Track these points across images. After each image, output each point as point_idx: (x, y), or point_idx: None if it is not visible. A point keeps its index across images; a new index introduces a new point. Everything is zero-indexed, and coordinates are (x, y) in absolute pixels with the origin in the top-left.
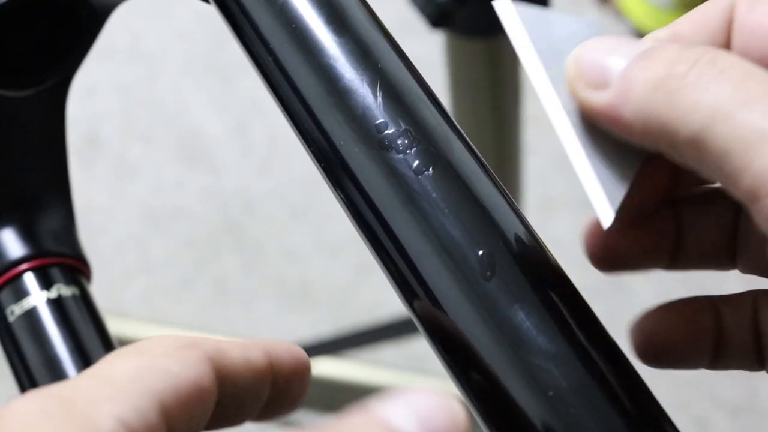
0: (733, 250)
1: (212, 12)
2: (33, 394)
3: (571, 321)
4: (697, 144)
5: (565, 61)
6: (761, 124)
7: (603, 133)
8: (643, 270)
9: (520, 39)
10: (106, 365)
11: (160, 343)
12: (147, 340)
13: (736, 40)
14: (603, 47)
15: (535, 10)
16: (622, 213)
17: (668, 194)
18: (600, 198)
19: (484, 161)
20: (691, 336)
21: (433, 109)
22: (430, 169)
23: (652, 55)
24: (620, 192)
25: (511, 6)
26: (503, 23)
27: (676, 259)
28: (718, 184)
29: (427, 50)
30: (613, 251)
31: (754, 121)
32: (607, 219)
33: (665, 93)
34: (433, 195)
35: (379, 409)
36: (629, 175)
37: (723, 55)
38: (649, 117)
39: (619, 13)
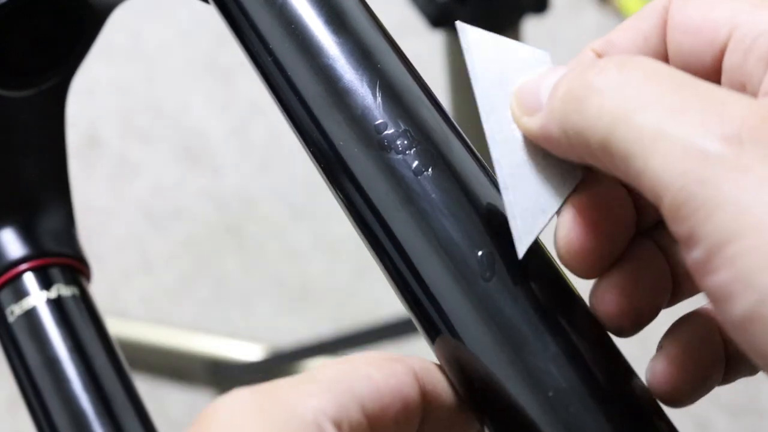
0: None
1: (212, 12)
2: (239, 390)
3: (570, 321)
4: (605, 150)
5: (510, 89)
6: (655, 124)
7: (542, 157)
8: (663, 308)
9: (474, 64)
10: (310, 371)
11: (365, 355)
12: (354, 355)
13: (670, 39)
14: (540, 75)
15: (494, 36)
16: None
17: (637, 227)
18: (517, 227)
19: (484, 162)
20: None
21: (432, 109)
22: (430, 169)
23: (571, 68)
24: (539, 224)
25: (473, 30)
26: (462, 45)
27: (679, 290)
28: None
29: (427, 50)
30: (625, 308)
31: (648, 122)
32: (521, 247)
33: (576, 102)
34: (433, 196)
35: None
36: (552, 207)
37: (633, 60)
38: (567, 128)
39: (619, 13)
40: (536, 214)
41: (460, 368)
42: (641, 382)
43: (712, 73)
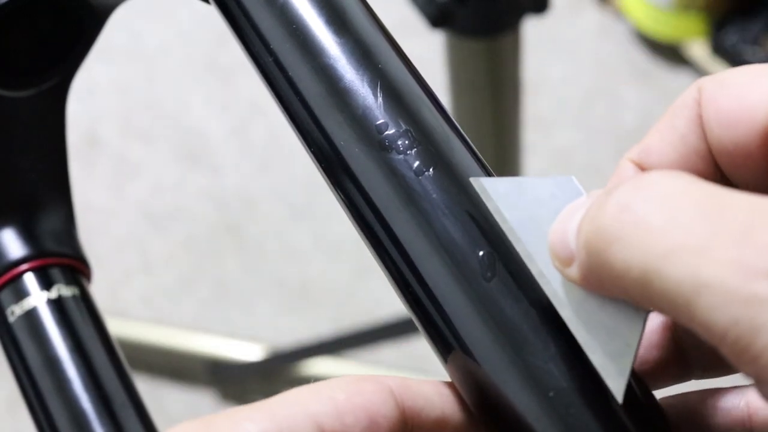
0: None
1: (212, 12)
2: (183, 426)
3: None
4: (646, 301)
5: (546, 227)
6: (688, 271)
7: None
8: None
9: (504, 215)
10: (276, 395)
11: (335, 379)
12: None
13: (708, 134)
14: (564, 219)
15: (510, 181)
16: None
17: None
18: (610, 374)
19: (485, 161)
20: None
21: (433, 109)
22: (431, 169)
23: (585, 216)
24: (628, 360)
25: (489, 182)
26: (485, 201)
27: (687, 374)
28: None
29: (427, 50)
30: None
31: (681, 270)
32: (619, 393)
33: (598, 255)
34: (434, 196)
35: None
36: (634, 339)
37: (640, 191)
38: (602, 281)
39: (619, 13)
40: (620, 350)
41: (462, 368)
42: (643, 381)
43: (761, 161)
